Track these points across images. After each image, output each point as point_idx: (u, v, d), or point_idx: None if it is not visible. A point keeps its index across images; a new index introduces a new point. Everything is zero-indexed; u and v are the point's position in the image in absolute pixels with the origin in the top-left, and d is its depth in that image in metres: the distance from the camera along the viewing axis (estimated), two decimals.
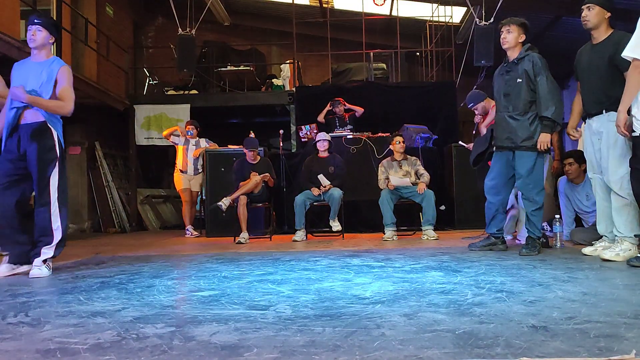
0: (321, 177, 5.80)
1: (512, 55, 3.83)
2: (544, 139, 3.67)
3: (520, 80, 3.73)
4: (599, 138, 3.40)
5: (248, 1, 11.82)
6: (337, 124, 7.50)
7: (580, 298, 2.07)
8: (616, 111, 3.13)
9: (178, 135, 7.15)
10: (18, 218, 3.30)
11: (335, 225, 5.80)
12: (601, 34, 3.39)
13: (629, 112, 2.94)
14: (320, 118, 7.74)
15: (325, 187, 5.78)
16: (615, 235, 3.31)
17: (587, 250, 3.57)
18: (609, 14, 3.36)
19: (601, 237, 3.59)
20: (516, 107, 3.75)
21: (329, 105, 7.71)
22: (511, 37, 3.79)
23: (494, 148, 4.03)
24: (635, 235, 3.23)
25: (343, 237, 5.85)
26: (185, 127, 7.26)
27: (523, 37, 3.80)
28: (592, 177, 3.59)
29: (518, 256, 3.59)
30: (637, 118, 2.87)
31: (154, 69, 11.33)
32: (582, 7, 3.41)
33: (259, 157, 6.18)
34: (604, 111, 3.37)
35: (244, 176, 5.98)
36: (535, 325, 1.64)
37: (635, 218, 3.24)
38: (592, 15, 3.36)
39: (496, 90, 3.94)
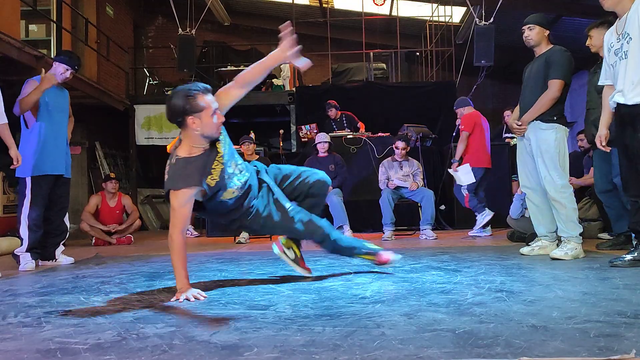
0: None
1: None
2: None
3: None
4: (530, 143, 3.55)
5: (248, 1, 11.82)
6: (335, 127, 7.44)
7: (580, 298, 2.07)
8: (543, 121, 3.45)
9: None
10: None
11: (347, 231, 5.51)
12: (542, 49, 3.58)
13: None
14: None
15: None
16: (562, 236, 3.44)
17: (524, 250, 3.64)
18: (547, 32, 3.57)
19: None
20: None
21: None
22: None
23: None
24: (579, 234, 3.38)
25: None
26: None
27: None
28: (526, 192, 3.69)
29: (518, 256, 3.58)
30: None
31: (154, 69, 11.33)
32: (523, 27, 3.58)
33: (257, 156, 6.19)
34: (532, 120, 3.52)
35: None
36: (535, 324, 1.64)
37: (574, 218, 3.39)
38: (533, 34, 3.55)
39: None
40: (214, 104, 2.33)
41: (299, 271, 2.82)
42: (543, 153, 3.43)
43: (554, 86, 3.43)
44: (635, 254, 2.87)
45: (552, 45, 3.56)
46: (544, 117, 3.46)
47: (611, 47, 3.01)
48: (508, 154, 6.67)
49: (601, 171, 3.99)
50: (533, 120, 3.50)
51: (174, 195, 2.30)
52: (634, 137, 2.86)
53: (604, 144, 3.03)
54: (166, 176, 2.35)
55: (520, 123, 3.57)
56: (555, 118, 3.46)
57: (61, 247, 4.02)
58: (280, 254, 2.82)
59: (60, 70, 3.88)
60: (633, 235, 3.28)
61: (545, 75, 3.47)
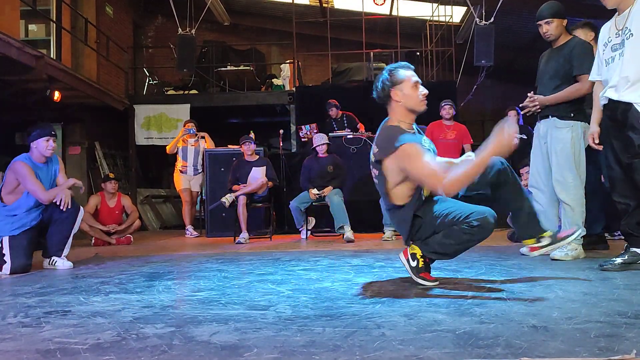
0: (314, 191, 5.82)
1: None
2: None
3: None
4: (545, 142, 3.49)
5: (248, 1, 11.82)
6: (335, 127, 7.42)
7: (581, 298, 2.07)
8: (559, 118, 3.35)
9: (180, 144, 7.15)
10: None
11: (348, 231, 5.53)
12: (561, 41, 3.47)
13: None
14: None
15: (318, 194, 5.77)
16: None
17: (525, 250, 3.59)
18: (565, 22, 3.45)
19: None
20: None
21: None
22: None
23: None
24: (581, 237, 3.33)
25: (344, 237, 5.84)
26: (185, 125, 7.27)
27: None
28: (533, 191, 3.63)
29: (518, 256, 3.58)
30: None
31: (153, 68, 11.34)
32: (540, 22, 3.44)
33: (257, 156, 6.20)
34: (549, 115, 3.44)
35: (237, 178, 5.98)
36: (536, 325, 1.64)
37: (579, 221, 3.35)
38: (552, 29, 3.42)
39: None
40: (414, 77, 2.41)
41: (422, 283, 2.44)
42: (558, 153, 3.36)
43: (587, 82, 3.22)
44: (626, 257, 2.83)
45: (571, 37, 3.45)
46: (560, 114, 3.36)
47: (609, 41, 2.94)
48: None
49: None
50: (549, 117, 3.40)
51: (404, 150, 2.25)
52: (622, 135, 2.83)
53: (596, 141, 2.98)
54: (376, 149, 2.40)
55: (533, 98, 3.42)
56: (572, 115, 3.34)
57: (66, 250, 3.85)
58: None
59: (43, 146, 3.74)
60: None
61: (566, 70, 3.35)
